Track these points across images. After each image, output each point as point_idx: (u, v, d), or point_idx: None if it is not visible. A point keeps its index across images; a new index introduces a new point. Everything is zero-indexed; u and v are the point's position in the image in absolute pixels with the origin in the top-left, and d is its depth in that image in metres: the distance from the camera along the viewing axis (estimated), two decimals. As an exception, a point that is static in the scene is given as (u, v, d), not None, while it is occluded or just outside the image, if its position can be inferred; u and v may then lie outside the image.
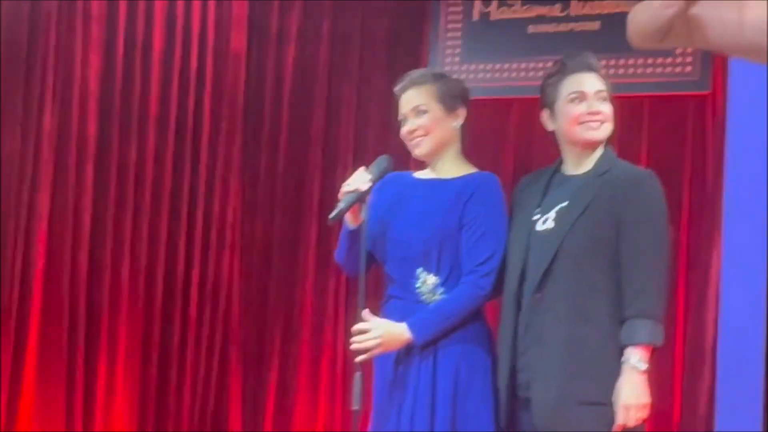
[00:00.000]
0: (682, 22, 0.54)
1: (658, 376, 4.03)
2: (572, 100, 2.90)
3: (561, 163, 2.99)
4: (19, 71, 4.73)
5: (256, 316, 4.84)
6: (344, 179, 4.59)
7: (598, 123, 2.88)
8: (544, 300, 2.82)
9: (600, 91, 2.90)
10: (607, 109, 2.90)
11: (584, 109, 2.88)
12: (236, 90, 4.91)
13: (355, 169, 3.08)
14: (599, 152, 2.92)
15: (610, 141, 2.95)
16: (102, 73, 4.84)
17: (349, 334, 4.49)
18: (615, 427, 2.71)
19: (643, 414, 2.72)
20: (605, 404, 2.72)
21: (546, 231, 2.87)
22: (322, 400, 4.70)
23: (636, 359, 2.70)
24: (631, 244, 2.77)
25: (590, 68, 2.94)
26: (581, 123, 2.89)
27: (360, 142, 4.76)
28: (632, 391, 2.69)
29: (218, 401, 4.80)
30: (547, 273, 2.82)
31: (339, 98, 4.83)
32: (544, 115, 2.99)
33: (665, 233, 2.84)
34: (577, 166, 2.93)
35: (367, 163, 3.11)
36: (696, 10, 0.54)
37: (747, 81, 3.22)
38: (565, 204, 2.86)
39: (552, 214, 2.88)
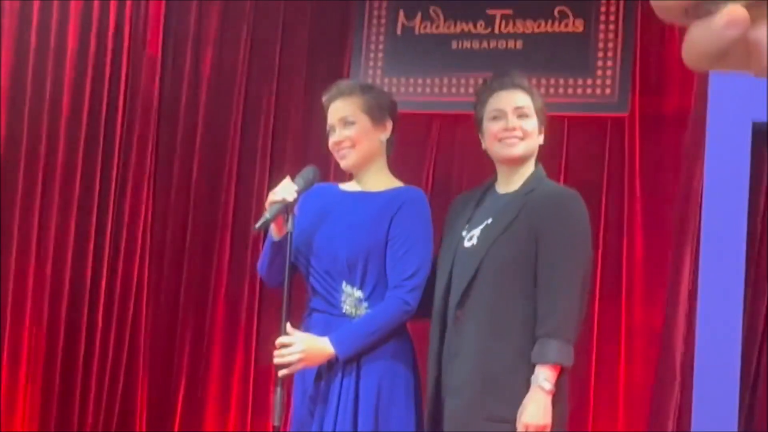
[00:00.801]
0: (741, 46, 0.52)
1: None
2: (493, 118, 2.92)
3: (495, 180, 2.99)
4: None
5: (165, 327, 4.71)
6: (260, 188, 4.57)
7: (516, 139, 2.88)
8: (464, 316, 2.81)
9: (519, 108, 2.90)
10: (528, 125, 2.89)
11: (502, 125, 2.89)
12: (150, 93, 4.79)
13: (271, 178, 3.02)
14: (529, 171, 2.92)
15: (538, 158, 2.96)
16: (12, 70, 4.68)
17: (261, 347, 4.47)
18: None
19: None
20: (512, 421, 2.71)
21: (470, 248, 2.87)
22: (232, 414, 4.60)
23: (542, 378, 2.70)
24: (547, 263, 2.76)
25: (513, 85, 2.94)
26: (500, 140, 2.89)
27: (277, 151, 4.68)
28: (535, 410, 2.69)
29: (123, 414, 4.65)
30: (467, 290, 2.82)
31: (257, 105, 4.75)
32: (479, 136, 3.00)
33: (583, 255, 2.83)
34: (508, 184, 2.93)
35: (283, 172, 3.06)
36: (756, 34, 0.52)
37: (726, 98, 3.27)
38: (489, 221, 2.86)
39: (477, 231, 2.88)
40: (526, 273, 2.78)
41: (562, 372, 2.74)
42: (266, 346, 3.89)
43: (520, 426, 2.69)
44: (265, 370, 4.41)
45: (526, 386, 2.71)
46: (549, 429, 2.71)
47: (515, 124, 2.88)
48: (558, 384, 2.73)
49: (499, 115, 2.90)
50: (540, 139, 2.95)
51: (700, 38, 0.52)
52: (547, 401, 2.69)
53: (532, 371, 2.72)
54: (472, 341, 2.79)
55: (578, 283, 2.78)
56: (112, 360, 4.65)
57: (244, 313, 4.62)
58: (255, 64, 4.78)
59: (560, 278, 2.75)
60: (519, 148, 2.88)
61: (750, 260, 3.42)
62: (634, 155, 4.22)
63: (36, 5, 4.68)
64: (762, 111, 3.19)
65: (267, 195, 2.98)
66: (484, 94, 2.98)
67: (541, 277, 2.76)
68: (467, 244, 2.88)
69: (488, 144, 2.93)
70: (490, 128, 2.91)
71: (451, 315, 2.85)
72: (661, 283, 4.13)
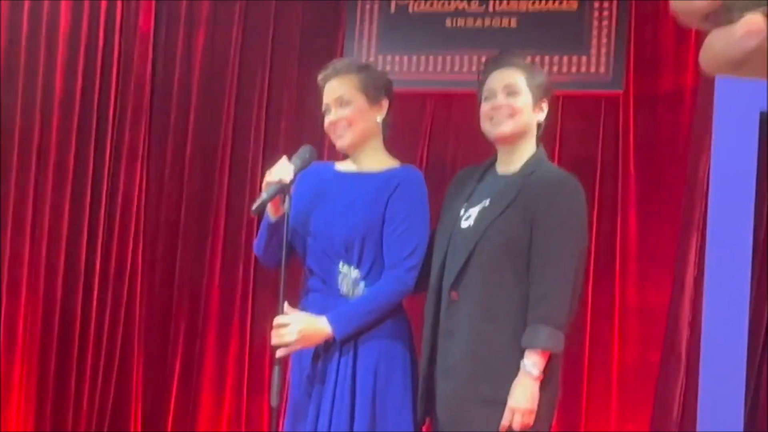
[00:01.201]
0: (759, 54, 0.52)
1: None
2: (485, 98, 2.91)
3: (495, 159, 2.98)
4: None
5: (160, 307, 4.71)
6: (254, 167, 4.56)
7: (504, 116, 2.85)
8: (458, 297, 2.81)
9: (509, 85, 2.87)
10: (517, 101, 2.86)
11: (491, 104, 2.88)
12: (143, 72, 4.76)
13: (266, 157, 3.00)
14: (529, 151, 2.90)
15: (541, 139, 2.95)
16: (5, 50, 4.65)
17: (256, 327, 4.46)
18: (500, 427, 2.71)
19: (528, 420, 2.70)
20: (504, 403, 2.71)
21: (466, 228, 2.85)
22: (227, 395, 4.61)
23: (531, 364, 2.69)
24: (541, 247, 2.74)
25: (506, 64, 2.92)
26: (489, 119, 2.88)
27: (271, 130, 4.66)
28: (522, 395, 2.69)
29: (118, 395, 4.65)
30: (462, 271, 2.80)
31: (250, 85, 4.72)
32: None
33: (578, 241, 2.81)
34: (507, 164, 2.91)
35: (278, 151, 3.05)
36: None
37: (733, 88, 3.27)
38: (487, 203, 2.85)
39: (474, 212, 2.86)
40: (520, 257, 2.76)
41: (552, 357, 2.73)
42: (261, 326, 3.90)
43: (506, 410, 2.70)
44: (260, 350, 4.41)
45: (519, 369, 2.71)
46: (535, 414, 2.72)
47: (503, 102, 2.86)
48: (549, 368, 2.72)
49: (490, 95, 2.89)
50: (538, 116, 2.93)
51: (718, 45, 0.53)
52: (534, 386, 2.69)
53: (522, 355, 2.72)
54: (466, 323, 2.78)
55: (571, 268, 2.75)
56: (107, 342, 4.65)
57: (239, 293, 4.61)
58: (248, 43, 4.75)
59: (553, 263, 2.73)
60: (507, 126, 2.85)
61: (756, 248, 3.44)
62: (628, 133, 4.22)
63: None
64: None
65: (261, 174, 2.97)
66: (482, 75, 2.97)
67: (535, 261, 2.74)
68: (464, 224, 2.86)
69: (481, 124, 2.92)
70: (482, 108, 2.91)
71: (445, 294, 2.85)
72: (655, 262, 4.14)
